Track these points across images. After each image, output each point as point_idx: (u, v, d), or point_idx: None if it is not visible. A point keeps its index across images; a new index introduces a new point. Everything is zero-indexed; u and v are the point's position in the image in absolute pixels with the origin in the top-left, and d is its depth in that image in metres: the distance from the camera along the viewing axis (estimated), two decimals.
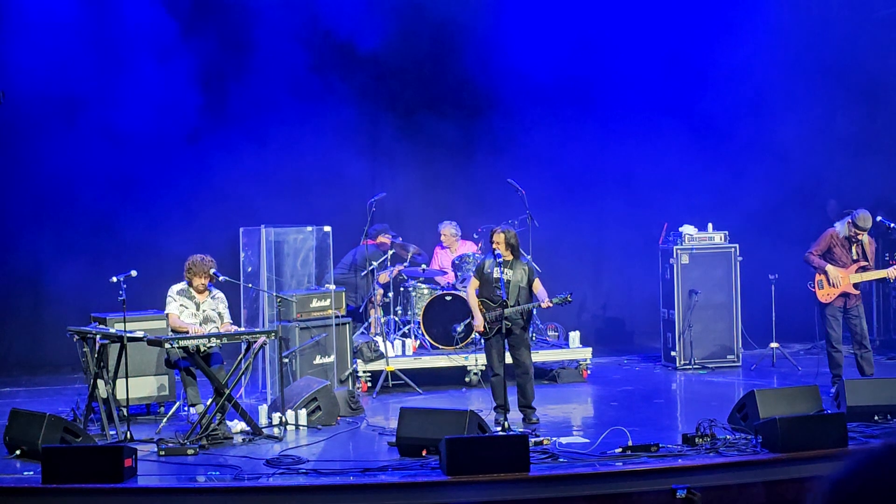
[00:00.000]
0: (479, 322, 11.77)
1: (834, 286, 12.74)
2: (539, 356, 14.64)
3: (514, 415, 11.70)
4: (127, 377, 11.44)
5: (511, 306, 11.61)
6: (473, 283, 12.03)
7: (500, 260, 11.60)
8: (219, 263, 12.19)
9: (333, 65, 16.96)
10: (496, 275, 11.61)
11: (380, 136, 17.47)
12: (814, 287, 12.87)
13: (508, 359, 11.92)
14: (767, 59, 17.04)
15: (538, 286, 11.88)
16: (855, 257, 12.74)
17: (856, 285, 12.74)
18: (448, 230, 15.80)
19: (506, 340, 11.71)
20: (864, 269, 12.74)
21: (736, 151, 16.98)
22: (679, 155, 16.92)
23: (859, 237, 12.68)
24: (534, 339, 14.96)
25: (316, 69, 16.85)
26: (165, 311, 11.92)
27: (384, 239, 15.66)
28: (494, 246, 11.70)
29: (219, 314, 12.00)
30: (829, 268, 12.72)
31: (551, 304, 11.78)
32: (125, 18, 16.25)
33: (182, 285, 11.94)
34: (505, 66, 16.85)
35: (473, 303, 11.92)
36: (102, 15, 16.22)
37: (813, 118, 16.69)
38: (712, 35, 17.04)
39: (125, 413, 11.51)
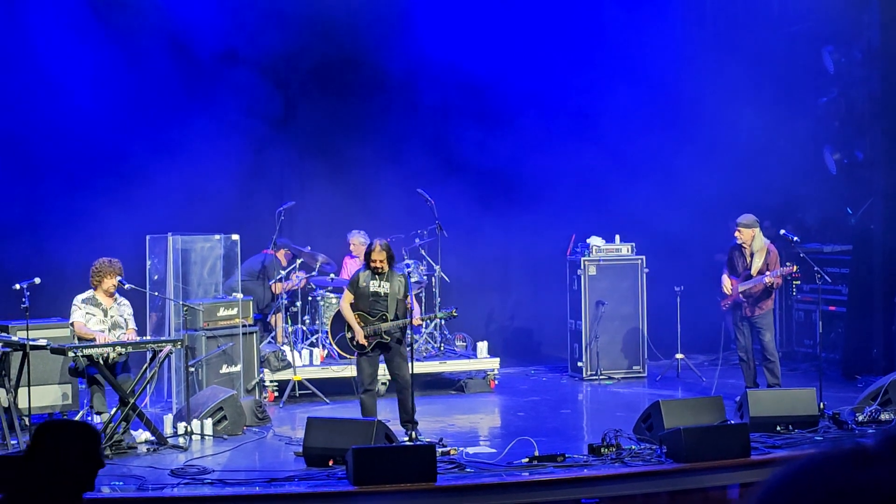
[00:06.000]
0: (359, 334, 11.44)
1: (724, 294, 13.11)
2: (447, 366, 14.71)
3: (420, 427, 11.69)
4: (29, 386, 11.26)
5: (391, 320, 11.45)
6: (347, 297, 11.73)
7: (380, 271, 11.40)
8: (125, 272, 12.04)
9: (242, 73, 16.83)
10: (372, 288, 11.47)
11: (289, 144, 17.39)
12: None
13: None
14: (677, 71, 17.20)
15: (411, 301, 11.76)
16: (747, 266, 13.02)
17: (746, 295, 12.97)
18: (357, 239, 15.76)
19: (382, 355, 11.60)
20: (748, 278, 13.01)
21: (643, 164, 17.10)
22: (587, 166, 17.01)
23: (744, 245, 12.94)
24: (442, 349, 15.00)
25: (223, 77, 16.72)
26: (70, 321, 11.72)
27: (282, 256, 15.53)
28: (377, 264, 11.39)
29: (124, 320, 11.84)
30: (723, 276, 13.20)
31: (421, 322, 11.72)
32: (28, 25, 16.02)
33: (87, 293, 11.76)
34: (417, 76, 16.87)
35: (349, 316, 11.60)
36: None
37: (719, 132, 16.88)
38: (624, 48, 17.17)
39: (27, 422, 11.33)
